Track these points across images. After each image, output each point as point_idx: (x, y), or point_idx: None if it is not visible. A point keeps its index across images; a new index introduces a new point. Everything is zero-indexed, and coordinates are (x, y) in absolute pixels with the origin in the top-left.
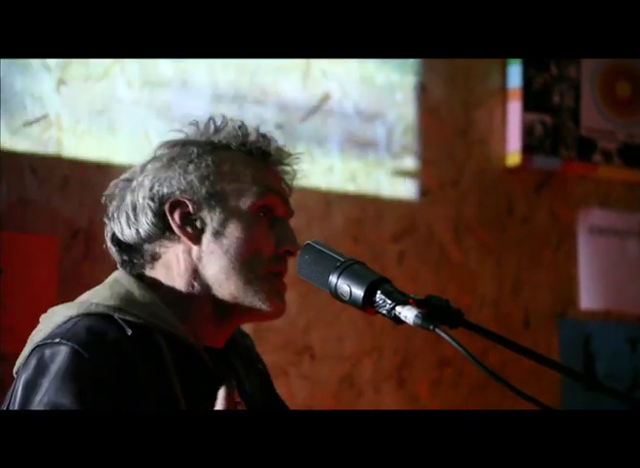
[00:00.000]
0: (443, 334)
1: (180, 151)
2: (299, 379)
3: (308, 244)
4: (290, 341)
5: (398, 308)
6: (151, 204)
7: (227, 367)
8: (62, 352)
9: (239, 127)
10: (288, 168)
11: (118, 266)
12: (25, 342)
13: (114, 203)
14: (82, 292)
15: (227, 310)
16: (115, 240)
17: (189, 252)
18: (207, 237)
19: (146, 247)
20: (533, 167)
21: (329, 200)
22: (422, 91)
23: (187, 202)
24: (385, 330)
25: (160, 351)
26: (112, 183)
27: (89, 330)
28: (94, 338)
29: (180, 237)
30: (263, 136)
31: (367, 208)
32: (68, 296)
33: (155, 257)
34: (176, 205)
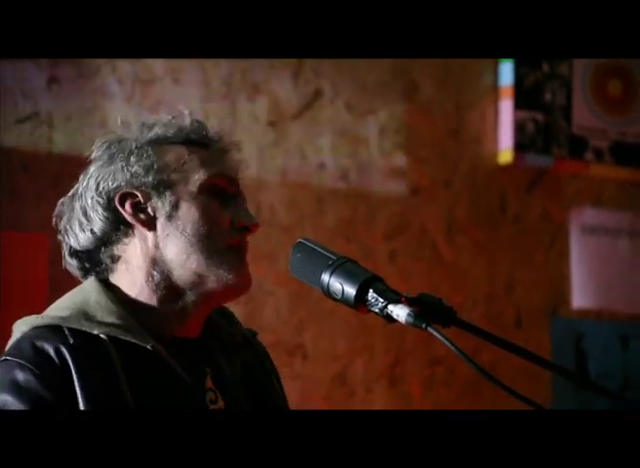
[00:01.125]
0: (435, 333)
1: (118, 147)
2: (290, 379)
3: (300, 242)
4: (281, 340)
5: (390, 307)
6: (100, 200)
7: (204, 355)
8: (7, 368)
9: (172, 118)
10: (228, 153)
11: (79, 278)
12: None
13: (64, 218)
14: (72, 289)
15: (192, 293)
16: (73, 252)
17: (145, 240)
18: (161, 221)
19: (104, 249)
20: (525, 165)
21: (320, 198)
22: (414, 89)
23: (136, 192)
24: (377, 328)
25: (108, 357)
26: (59, 202)
27: (32, 343)
28: (35, 352)
29: (134, 229)
30: (198, 122)
31: (359, 206)
32: (59, 294)
33: (114, 259)
34: (125, 197)
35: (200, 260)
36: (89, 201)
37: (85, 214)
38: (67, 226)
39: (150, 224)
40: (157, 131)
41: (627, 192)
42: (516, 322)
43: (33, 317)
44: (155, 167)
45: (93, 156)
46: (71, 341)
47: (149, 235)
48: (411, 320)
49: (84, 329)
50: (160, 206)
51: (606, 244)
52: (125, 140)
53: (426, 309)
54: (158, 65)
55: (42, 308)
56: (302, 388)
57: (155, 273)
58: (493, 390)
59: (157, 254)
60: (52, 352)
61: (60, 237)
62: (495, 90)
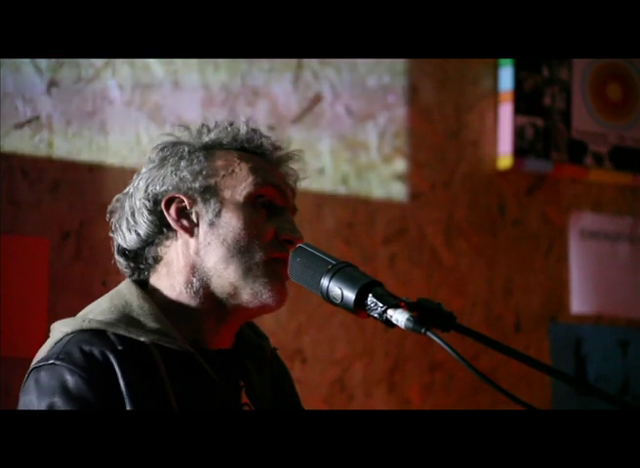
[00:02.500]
0: (435, 338)
1: (171, 150)
2: None
3: (300, 246)
4: (281, 345)
5: (390, 311)
6: (147, 203)
7: (237, 368)
8: (57, 373)
9: (230, 124)
10: (284, 163)
11: (127, 276)
12: (15, 344)
13: (116, 215)
14: (72, 293)
15: (228, 304)
16: (121, 251)
17: (187, 246)
18: (203, 229)
19: (148, 250)
20: (524, 170)
21: (320, 202)
22: (414, 93)
23: (182, 197)
24: (377, 333)
25: (153, 363)
26: (114, 199)
27: (80, 348)
28: (84, 357)
29: (177, 233)
30: (254, 130)
31: (358, 210)
32: (59, 298)
33: (157, 259)
34: (171, 201)
35: (238, 272)
36: (137, 202)
37: (133, 214)
38: (117, 225)
39: (192, 230)
40: (212, 136)
41: (627, 197)
42: (515, 326)
43: (78, 319)
44: (204, 173)
45: (147, 157)
46: (119, 347)
47: (191, 241)
48: (410, 325)
49: (131, 335)
50: (204, 213)
51: (605, 249)
52: (179, 144)
53: (426, 314)
54: (158, 69)
55: (42, 312)
56: (302, 393)
57: (194, 280)
58: (492, 395)
59: (197, 261)
60: (100, 357)
61: (110, 234)
62: (494, 94)
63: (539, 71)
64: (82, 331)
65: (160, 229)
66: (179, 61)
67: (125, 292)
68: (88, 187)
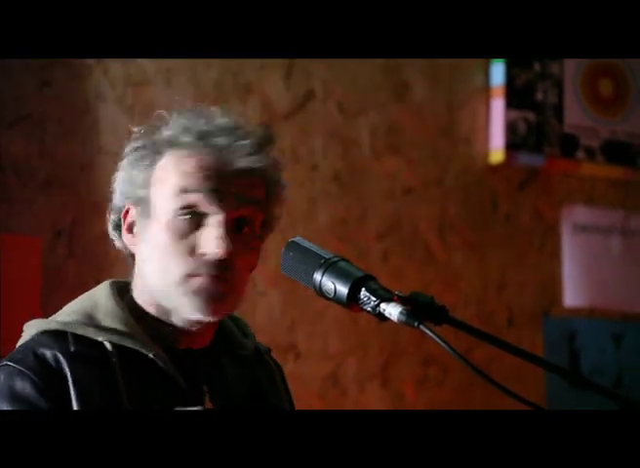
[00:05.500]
0: (427, 331)
1: (129, 156)
2: None
3: (292, 241)
4: (274, 340)
5: (383, 305)
6: (114, 216)
7: (209, 368)
8: (8, 375)
9: (188, 118)
10: (241, 153)
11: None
12: (8, 343)
13: (112, 196)
14: (65, 292)
15: (174, 314)
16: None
17: (138, 258)
18: (141, 245)
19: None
20: (516, 164)
21: (313, 199)
22: (406, 89)
23: (132, 209)
24: (370, 328)
25: (108, 363)
26: (113, 178)
27: (34, 351)
28: (36, 360)
29: None
30: (219, 128)
31: (351, 206)
32: (52, 297)
33: (134, 258)
34: (126, 214)
35: (163, 291)
36: (113, 202)
37: (112, 212)
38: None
39: (134, 246)
40: (166, 132)
41: (619, 190)
42: (508, 321)
43: (42, 321)
44: (144, 182)
45: (125, 149)
46: (72, 349)
47: (136, 256)
48: (403, 318)
49: (88, 335)
50: (141, 228)
51: (598, 242)
52: (136, 149)
53: (419, 307)
54: (150, 67)
55: (35, 311)
56: (295, 388)
57: (145, 290)
58: (486, 389)
59: (142, 276)
60: (52, 360)
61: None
62: (486, 89)
63: (530, 67)
64: (44, 331)
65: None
66: (170, 60)
67: (97, 292)
68: (80, 186)
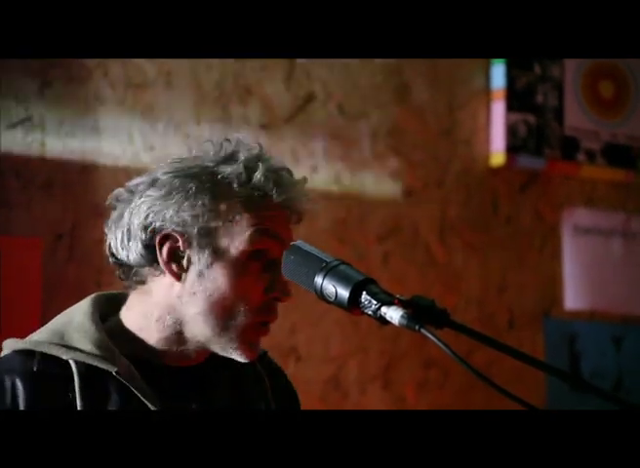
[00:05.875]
0: (428, 335)
1: (179, 183)
2: None
3: (293, 244)
4: (275, 343)
5: (384, 309)
6: (143, 235)
7: (198, 386)
8: None
9: (245, 166)
10: (292, 202)
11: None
12: None
13: (114, 214)
14: (66, 295)
15: (194, 345)
16: (111, 251)
17: (172, 287)
18: (191, 277)
19: (135, 270)
20: (517, 167)
21: (313, 201)
22: (406, 91)
23: (178, 237)
24: (371, 331)
25: (70, 383)
26: (117, 191)
27: None
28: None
29: (165, 272)
30: (271, 177)
31: (352, 208)
32: (52, 300)
33: (140, 282)
34: (166, 238)
35: (215, 329)
36: (135, 225)
37: (128, 233)
38: (113, 228)
39: (180, 276)
40: (225, 174)
41: (619, 193)
42: (509, 323)
43: (14, 341)
44: (205, 217)
45: (158, 174)
46: (35, 368)
47: (176, 284)
48: (404, 322)
49: (55, 353)
50: (196, 260)
51: (598, 245)
52: (189, 179)
53: (420, 311)
54: (150, 69)
55: (35, 314)
56: (296, 390)
57: (168, 318)
58: (487, 392)
59: (177, 305)
60: (7, 383)
61: (105, 229)
62: (486, 92)
63: (531, 69)
64: (14, 351)
65: (150, 263)
66: (171, 61)
67: (77, 308)
68: (81, 188)
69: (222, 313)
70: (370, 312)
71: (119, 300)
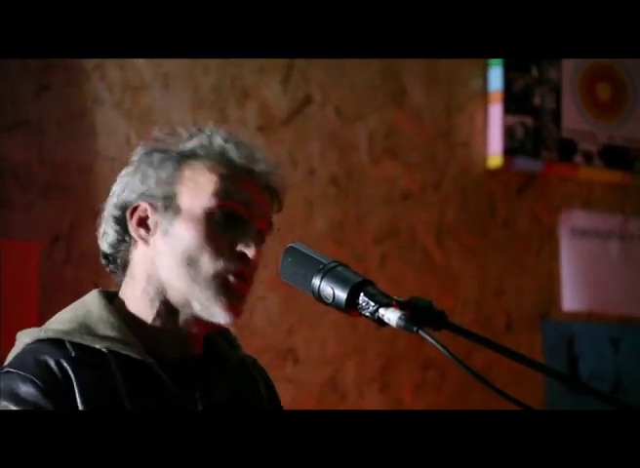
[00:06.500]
0: (426, 336)
1: (145, 157)
2: (282, 383)
3: (291, 246)
4: (272, 345)
5: (381, 310)
6: (115, 213)
7: (198, 377)
8: (9, 380)
9: (209, 136)
10: (263, 177)
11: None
12: (5, 348)
13: (101, 215)
14: (63, 296)
15: (182, 312)
16: (102, 254)
17: (145, 255)
18: (158, 237)
19: (118, 256)
20: (514, 169)
21: (311, 203)
22: (403, 94)
23: (146, 206)
24: (369, 332)
25: (108, 370)
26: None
27: (35, 357)
28: (37, 365)
29: (137, 242)
30: (232, 141)
31: (349, 211)
32: (50, 302)
33: (125, 266)
34: (135, 209)
35: (187, 283)
36: (108, 211)
37: (106, 222)
38: (98, 226)
39: (148, 239)
40: (189, 145)
41: (617, 195)
42: (507, 325)
43: (36, 330)
44: (168, 180)
45: (129, 161)
46: (73, 354)
47: (147, 250)
48: (402, 323)
49: (86, 343)
50: (160, 221)
51: (596, 247)
52: (154, 152)
53: (417, 312)
54: (147, 72)
55: (33, 316)
56: (294, 393)
57: (150, 289)
58: (485, 394)
59: (152, 270)
60: (54, 365)
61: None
62: (484, 94)
63: (528, 71)
64: (39, 340)
65: (123, 237)
66: (168, 64)
67: (88, 301)
68: (78, 190)
69: (188, 265)
70: (367, 314)
71: (116, 296)
